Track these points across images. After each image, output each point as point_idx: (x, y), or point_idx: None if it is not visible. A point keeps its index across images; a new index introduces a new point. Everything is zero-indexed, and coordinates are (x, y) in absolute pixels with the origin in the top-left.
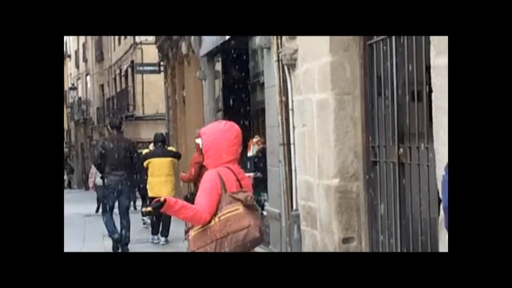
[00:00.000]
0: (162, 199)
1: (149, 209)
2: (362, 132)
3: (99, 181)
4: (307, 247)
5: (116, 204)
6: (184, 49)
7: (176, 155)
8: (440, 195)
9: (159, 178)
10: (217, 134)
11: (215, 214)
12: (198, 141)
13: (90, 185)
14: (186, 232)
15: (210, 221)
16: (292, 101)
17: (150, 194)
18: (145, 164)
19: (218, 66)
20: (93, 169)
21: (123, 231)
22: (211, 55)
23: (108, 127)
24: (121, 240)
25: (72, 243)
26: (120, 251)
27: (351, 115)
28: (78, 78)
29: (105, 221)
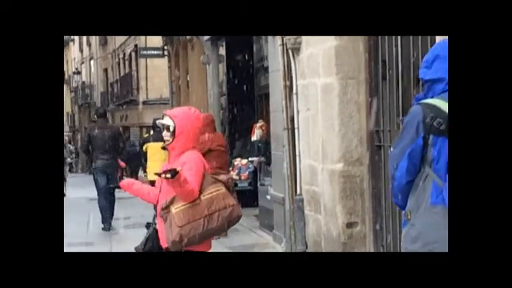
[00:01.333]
0: (178, 168)
1: (168, 175)
2: (366, 116)
3: None
4: (310, 231)
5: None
6: None
7: None
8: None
9: (157, 162)
10: (190, 119)
11: (200, 192)
12: (168, 122)
13: None
14: (164, 209)
15: (195, 199)
16: (297, 86)
17: (148, 178)
18: (144, 148)
19: (222, 51)
20: None
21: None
22: (215, 39)
23: (95, 116)
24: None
25: (76, 228)
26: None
27: (356, 99)
28: (82, 63)
29: (100, 206)
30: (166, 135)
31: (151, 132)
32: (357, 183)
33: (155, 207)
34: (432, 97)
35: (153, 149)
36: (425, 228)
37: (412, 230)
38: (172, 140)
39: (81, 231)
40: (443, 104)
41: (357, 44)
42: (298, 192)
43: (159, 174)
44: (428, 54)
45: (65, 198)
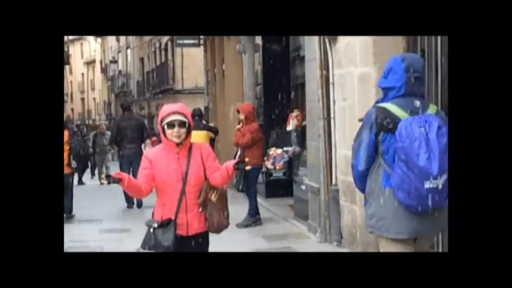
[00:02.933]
0: (246, 159)
1: (248, 167)
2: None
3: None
4: (345, 222)
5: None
6: None
7: (212, 129)
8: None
9: None
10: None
11: None
12: (185, 119)
13: None
14: (204, 199)
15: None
16: (333, 75)
17: None
18: None
19: (258, 40)
20: None
21: None
22: None
23: (121, 109)
24: (135, 202)
25: (111, 212)
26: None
27: None
28: (119, 52)
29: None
30: (181, 131)
31: None
32: None
33: (181, 199)
34: (387, 101)
35: (194, 137)
36: (378, 206)
37: (369, 208)
38: (186, 136)
39: (118, 216)
40: (393, 108)
41: None
42: (333, 182)
43: (244, 167)
44: (385, 67)
45: (105, 185)
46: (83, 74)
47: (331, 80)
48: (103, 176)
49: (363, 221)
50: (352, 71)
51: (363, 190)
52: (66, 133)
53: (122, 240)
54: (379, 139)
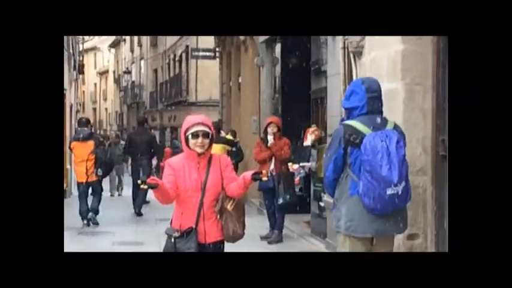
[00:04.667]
0: (264, 171)
1: (264, 178)
2: (432, 124)
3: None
4: None
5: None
6: None
7: (228, 142)
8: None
9: None
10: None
11: None
12: (208, 131)
13: None
14: (221, 208)
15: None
16: None
17: None
18: None
19: (277, 53)
20: None
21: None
22: (270, 41)
23: (136, 122)
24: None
25: (124, 225)
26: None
27: (421, 106)
28: (133, 62)
29: (133, 197)
30: (204, 142)
31: None
32: (419, 194)
33: (200, 208)
34: (352, 119)
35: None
36: (347, 210)
37: (338, 212)
38: (209, 147)
39: (131, 228)
40: (358, 125)
41: (426, 47)
42: None
43: (261, 178)
44: (347, 90)
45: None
46: (95, 84)
47: None
48: (139, 183)
49: None
50: None
51: (332, 195)
52: (92, 143)
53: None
54: (347, 152)
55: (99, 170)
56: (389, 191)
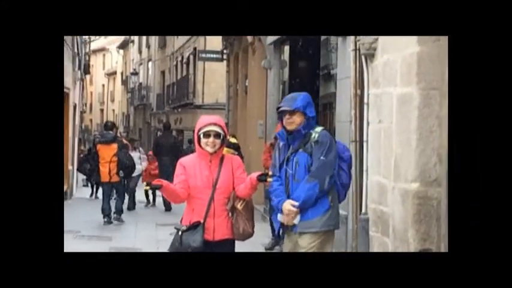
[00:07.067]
0: (270, 172)
1: (270, 179)
2: (448, 132)
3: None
4: None
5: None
6: (250, 37)
7: (232, 146)
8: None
9: None
10: None
11: None
12: (221, 131)
13: None
14: (232, 207)
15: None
16: (368, 95)
17: None
18: None
19: (285, 56)
20: None
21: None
22: (278, 43)
23: (162, 127)
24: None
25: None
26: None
27: (437, 113)
28: (140, 64)
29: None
30: (216, 142)
31: None
32: (433, 206)
33: (210, 204)
34: (317, 127)
35: None
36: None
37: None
38: (220, 147)
39: (129, 235)
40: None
41: (443, 50)
42: (363, 211)
43: (266, 179)
44: (303, 99)
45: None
46: (103, 85)
47: (365, 100)
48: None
49: None
50: (390, 91)
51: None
52: (115, 146)
53: None
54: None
55: (120, 171)
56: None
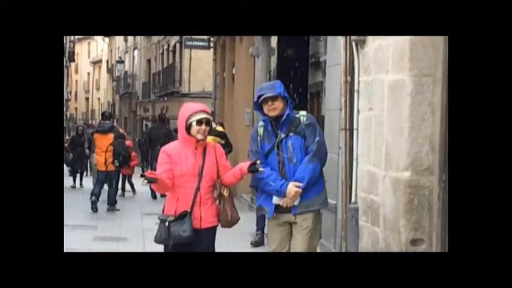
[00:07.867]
0: (258, 161)
1: (261, 169)
2: (441, 120)
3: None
4: (365, 244)
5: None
6: None
7: (219, 134)
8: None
9: None
10: None
11: None
12: (209, 117)
13: None
14: (219, 195)
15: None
16: (359, 82)
17: None
18: None
19: (273, 43)
20: None
21: None
22: None
23: (156, 118)
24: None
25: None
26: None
27: (430, 100)
28: (126, 52)
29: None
30: (206, 129)
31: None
32: (425, 195)
33: (196, 193)
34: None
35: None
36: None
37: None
38: (207, 133)
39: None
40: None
41: (436, 36)
42: (352, 200)
43: (257, 170)
44: (279, 86)
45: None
46: (88, 74)
47: (355, 87)
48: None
49: (386, 246)
50: (382, 78)
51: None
52: (112, 135)
53: (118, 250)
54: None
55: (115, 161)
56: None
